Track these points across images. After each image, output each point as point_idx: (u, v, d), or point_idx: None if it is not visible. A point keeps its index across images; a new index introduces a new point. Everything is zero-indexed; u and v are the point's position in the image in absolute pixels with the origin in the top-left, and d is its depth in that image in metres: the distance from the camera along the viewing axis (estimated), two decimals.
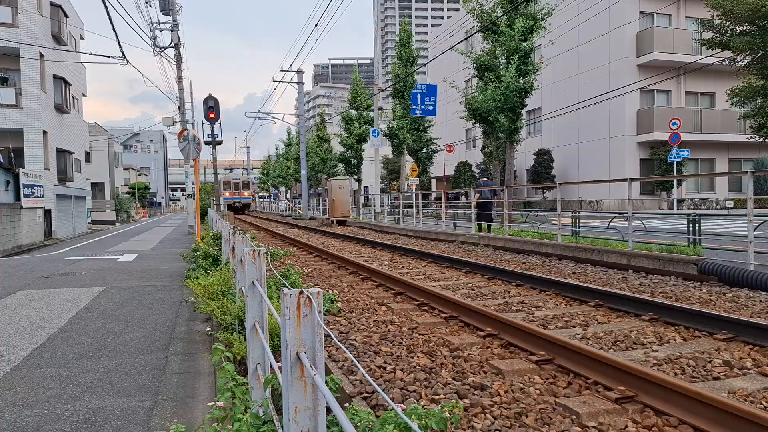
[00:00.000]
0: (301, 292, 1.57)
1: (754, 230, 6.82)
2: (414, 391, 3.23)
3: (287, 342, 1.56)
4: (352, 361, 3.80)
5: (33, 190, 19.21)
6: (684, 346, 4.11)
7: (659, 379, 2.96)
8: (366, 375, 1.28)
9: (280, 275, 6.36)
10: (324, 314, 5.24)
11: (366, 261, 9.68)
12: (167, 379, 3.78)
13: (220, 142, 24.29)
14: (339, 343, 1.66)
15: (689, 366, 3.60)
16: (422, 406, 2.46)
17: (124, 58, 16.39)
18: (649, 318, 4.88)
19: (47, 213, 21.28)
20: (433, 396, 3.14)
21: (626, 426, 2.75)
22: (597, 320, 4.98)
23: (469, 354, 3.96)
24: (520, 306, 5.62)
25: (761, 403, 2.98)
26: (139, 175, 67.14)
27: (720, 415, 2.60)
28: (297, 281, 6.27)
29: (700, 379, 3.40)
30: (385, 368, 3.67)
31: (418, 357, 3.91)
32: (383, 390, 3.28)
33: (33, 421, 3.06)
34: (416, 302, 5.91)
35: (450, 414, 2.00)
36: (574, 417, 2.85)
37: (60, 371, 3.97)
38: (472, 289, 6.73)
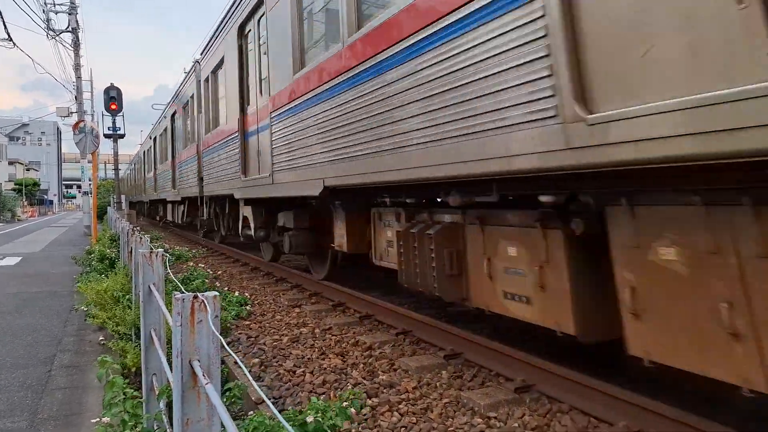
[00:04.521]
0: (196, 296, 1.48)
1: None
2: (323, 393, 3.19)
3: (179, 350, 1.47)
4: (261, 366, 3.69)
5: None
6: None
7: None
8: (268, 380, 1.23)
9: (183, 279, 6.03)
10: (234, 318, 5.03)
11: (282, 262, 9.43)
12: (49, 395, 3.41)
13: (122, 136, 22.55)
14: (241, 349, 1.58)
15: None
16: None
17: (11, 40, 14.72)
18: None
19: None
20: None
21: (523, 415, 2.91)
22: None
23: (381, 352, 3.99)
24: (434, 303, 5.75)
25: None
26: (28, 169, 61.07)
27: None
28: (201, 285, 5.96)
29: None
30: (294, 372, 3.59)
31: (329, 358, 3.87)
32: (291, 394, 3.21)
33: None
34: (332, 302, 5.86)
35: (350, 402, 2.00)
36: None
37: None
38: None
